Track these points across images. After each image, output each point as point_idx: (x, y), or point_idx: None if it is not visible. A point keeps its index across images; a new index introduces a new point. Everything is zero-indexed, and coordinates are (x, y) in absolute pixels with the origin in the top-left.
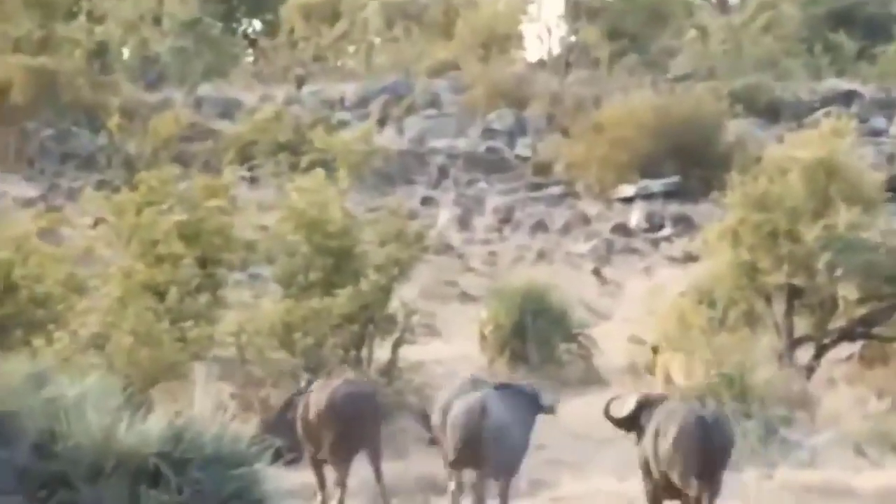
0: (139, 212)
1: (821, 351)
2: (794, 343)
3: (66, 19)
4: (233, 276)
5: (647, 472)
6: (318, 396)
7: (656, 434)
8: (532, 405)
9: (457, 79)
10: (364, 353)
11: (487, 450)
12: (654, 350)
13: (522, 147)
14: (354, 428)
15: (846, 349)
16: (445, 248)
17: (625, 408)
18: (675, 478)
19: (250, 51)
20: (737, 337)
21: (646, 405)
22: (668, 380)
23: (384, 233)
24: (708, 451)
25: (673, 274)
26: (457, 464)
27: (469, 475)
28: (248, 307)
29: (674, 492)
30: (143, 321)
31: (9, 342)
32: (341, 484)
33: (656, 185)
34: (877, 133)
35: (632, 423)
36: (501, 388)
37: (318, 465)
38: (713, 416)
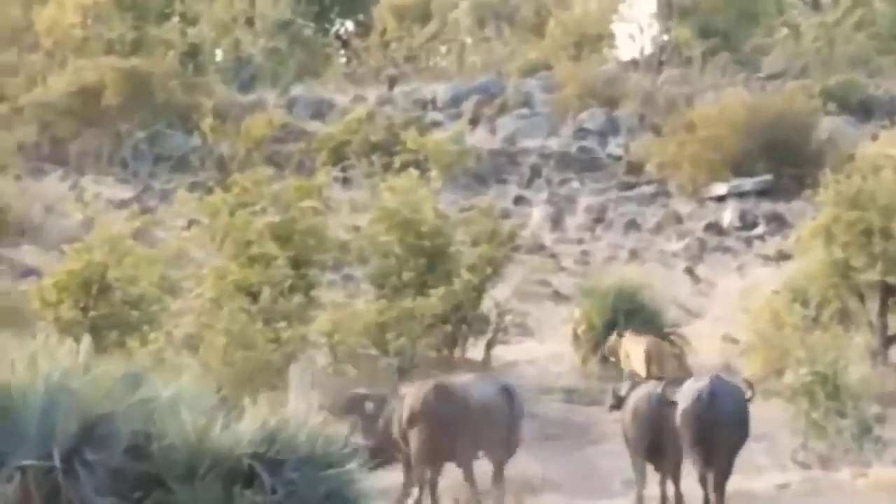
0: (232, 213)
1: None
2: (888, 341)
3: (159, 21)
4: (326, 276)
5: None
6: (413, 397)
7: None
8: None
9: (549, 78)
10: (457, 352)
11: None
12: (620, 335)
13: (614, 146)
14: (447, 429)
15: None
16: (538, 248)
17: (620, 391)
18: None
19: (343, 51)
20: (830, 335)
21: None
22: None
23: (477, 232)
24: (657, 431)
25: (766, 272)
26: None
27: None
28: (341, 307)
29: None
30: (236, 322)
31: (103, 343)
32: (433, 484)
33: (749, 183)
34: None
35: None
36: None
37: (409, 466)
38: (656, 398)
